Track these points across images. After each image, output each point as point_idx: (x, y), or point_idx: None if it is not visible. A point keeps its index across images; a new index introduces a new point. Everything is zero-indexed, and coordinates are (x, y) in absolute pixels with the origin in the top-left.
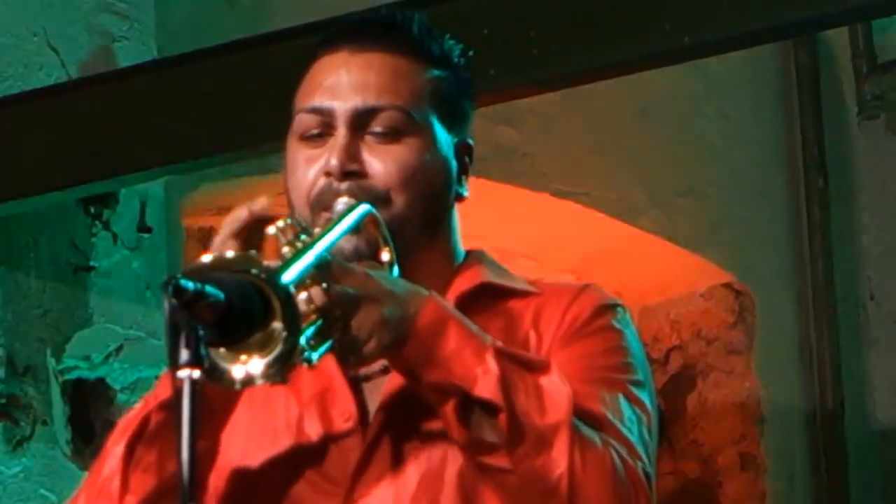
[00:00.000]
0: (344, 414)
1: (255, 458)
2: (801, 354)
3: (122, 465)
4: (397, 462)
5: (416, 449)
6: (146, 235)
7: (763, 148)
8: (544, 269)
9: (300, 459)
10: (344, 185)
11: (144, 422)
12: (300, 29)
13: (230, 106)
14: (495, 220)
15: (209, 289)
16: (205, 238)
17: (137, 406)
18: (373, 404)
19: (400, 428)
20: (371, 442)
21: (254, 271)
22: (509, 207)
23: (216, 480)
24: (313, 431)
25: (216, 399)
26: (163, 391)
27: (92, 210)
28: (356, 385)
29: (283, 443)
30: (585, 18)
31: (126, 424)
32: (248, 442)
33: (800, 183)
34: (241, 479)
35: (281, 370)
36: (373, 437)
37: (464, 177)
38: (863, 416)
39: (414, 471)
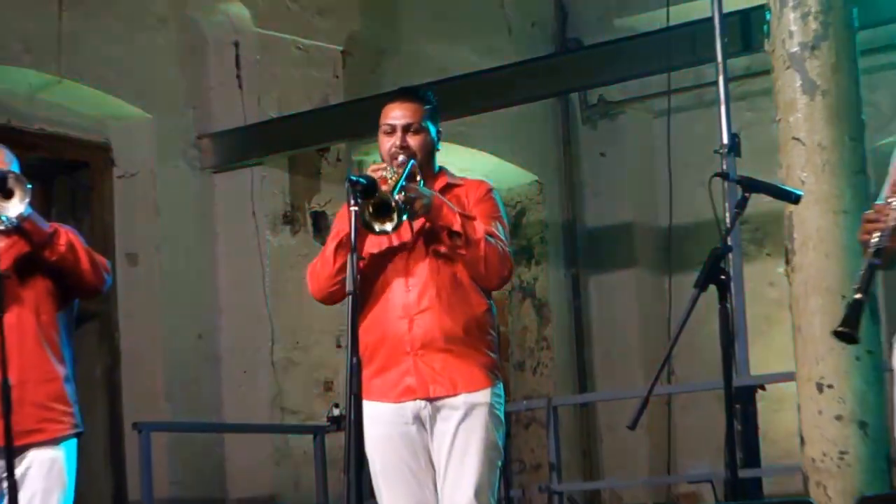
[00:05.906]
0: (408, 234)
1: (374, 250)
2: (562, 203)
3: (335, 247)
4: (425, 253)
5: (432, 248)
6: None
7: (547, 131)
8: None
9: (391, 251)
10: (400, 154)
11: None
12: (391, 92)
13: (366, 116)
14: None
15: (362, 181)
16: (357, 165)
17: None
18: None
19: (428, 239)
20: (414, 240)
21: (386, 188)
22: (444, 152)
23: (361, 265)
24: (395, 240)
25: (360, 238)
26: (344, 225)
27: (319, 153)
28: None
29: (384, 245)
30: (478, 92)
31: (335, 232)
32: (373, 248)
33: (561, 147)
34: (369, 261)
35: (395, 228)
36: (415, 239)
37: (439, 142)
38: (583, 222)
39: (432, 255)
